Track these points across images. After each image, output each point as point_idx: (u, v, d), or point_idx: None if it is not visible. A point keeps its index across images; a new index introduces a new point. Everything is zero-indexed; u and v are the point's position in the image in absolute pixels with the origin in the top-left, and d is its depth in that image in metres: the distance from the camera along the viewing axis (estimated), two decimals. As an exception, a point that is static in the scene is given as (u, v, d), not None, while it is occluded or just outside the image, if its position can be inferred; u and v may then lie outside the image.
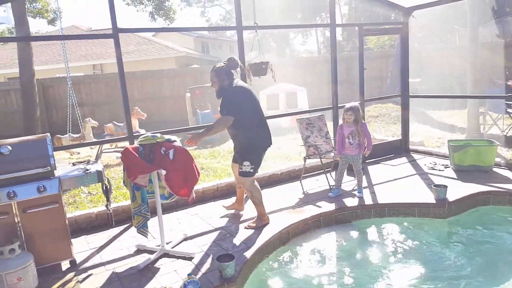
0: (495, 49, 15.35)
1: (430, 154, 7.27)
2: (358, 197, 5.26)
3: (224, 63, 4.41)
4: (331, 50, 6.67)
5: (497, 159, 6.15)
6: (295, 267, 4.07)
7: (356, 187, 5.49)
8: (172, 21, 17.02)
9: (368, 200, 5.14)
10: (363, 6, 34.67)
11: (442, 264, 3.97)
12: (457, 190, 5.21)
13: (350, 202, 5.12)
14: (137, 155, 3.83)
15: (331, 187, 5.66)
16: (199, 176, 4.05)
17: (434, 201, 4.92)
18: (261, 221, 4.60)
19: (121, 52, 4.95)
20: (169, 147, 3.91)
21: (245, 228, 4.57)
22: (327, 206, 5.02)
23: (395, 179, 5.94)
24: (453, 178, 5.79)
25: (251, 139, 4.43)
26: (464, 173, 5.94)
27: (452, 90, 13.13)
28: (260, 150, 4.51)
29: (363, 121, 5.28)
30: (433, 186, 5.07)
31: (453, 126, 11.62)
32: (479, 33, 10.44)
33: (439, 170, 6.21)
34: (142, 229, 4.11)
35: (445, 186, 4.99)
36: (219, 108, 4.48)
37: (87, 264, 3.97)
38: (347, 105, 5.32)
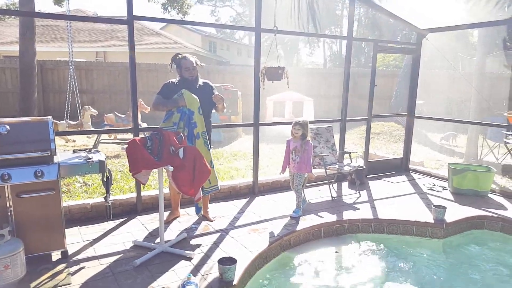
0: (498, 80, 15.55)
1: (429, 175, 7.30)
2: (292, 217, 4.92)
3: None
4: (345, 63, 6.63)
5: (492, 186, 6.20)
6: (294, 275, 4.00)
7: (356, 201, 5.56)
8: (185, 15, 16.79)
9: (368, 214, 5.11)
10: (373, 24, 35.12)
11: (436, 283, 3.99)
12: (454, 212, 5.27)
13: (351, 214, 5.09)
14: (144, 149, 3.70)
15: (333, 198, 5.66)
16: (209, 174, 3.90)
17: (432, 221, 4.93)
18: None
19: (134, 40, 4.72)
20: (178, 146, 3.78)
21: (212, 220, 4.78)
22: (329, 217, 4.95)
23: (395, 196, 5.94)
24: (450, 200, 5.84)
25: None
26: (461, 196, 6.01)
27: (450, 115, 13.23)
28: None
29: (309, 140, 4.92)
30: (433, 206, 5.06)
31: (452, 151, 11.68)
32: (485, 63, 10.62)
33: (438, 191, 6.25)
34: None
35: (444, 207, 4.99)
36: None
37: (79, 256, 3.80)
38: (297, 119, 5.00)
